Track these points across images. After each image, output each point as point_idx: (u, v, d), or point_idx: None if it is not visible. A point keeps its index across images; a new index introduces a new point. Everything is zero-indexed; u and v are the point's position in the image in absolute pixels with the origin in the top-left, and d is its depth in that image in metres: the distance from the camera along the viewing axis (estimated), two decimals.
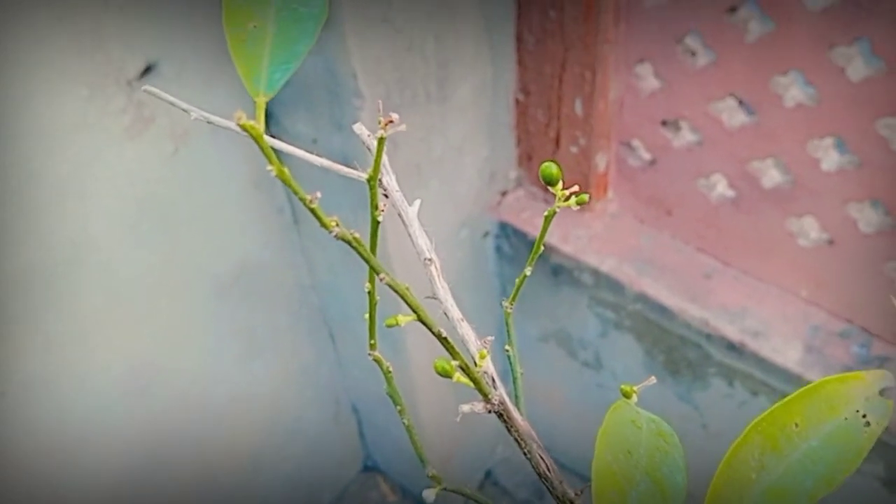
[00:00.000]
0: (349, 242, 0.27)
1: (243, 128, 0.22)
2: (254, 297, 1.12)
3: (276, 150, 0.26)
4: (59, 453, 0.98)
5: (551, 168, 0.32)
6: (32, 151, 0.82)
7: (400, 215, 0.35)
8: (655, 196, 1.06)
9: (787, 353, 0.93)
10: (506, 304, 0.36)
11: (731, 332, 0.96)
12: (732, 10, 0.85)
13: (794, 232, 0.94)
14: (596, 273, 1.07)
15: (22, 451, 0.94)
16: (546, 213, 0.33)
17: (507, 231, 1.15)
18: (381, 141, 0.27)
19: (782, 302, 0.98)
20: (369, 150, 0.31)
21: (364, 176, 0.30)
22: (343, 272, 1.14)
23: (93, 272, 0.92)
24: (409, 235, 0.35)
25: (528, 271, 0.34)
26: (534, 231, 1.13)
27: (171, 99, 0.30)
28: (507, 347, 0.38)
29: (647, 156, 1.03)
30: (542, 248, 0.34)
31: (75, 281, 0.91)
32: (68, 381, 0.95)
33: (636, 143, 1.03)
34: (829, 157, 0.87)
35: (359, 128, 0.34)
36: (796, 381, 0.92)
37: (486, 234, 1.17)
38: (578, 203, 0.32)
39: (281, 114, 0.99)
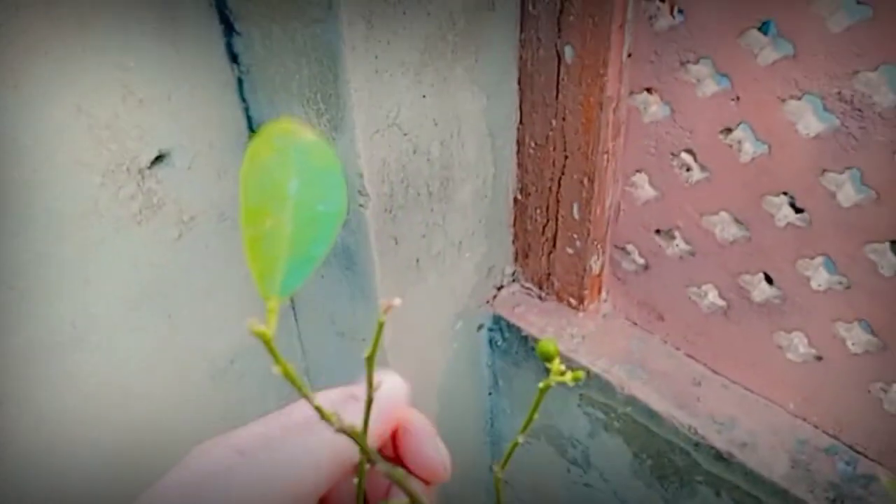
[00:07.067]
0: (351, 436, 0.29)
1: (255, 334, 0.24)
2: (246, 379, 1.12)
3: None
4: None
5: (549, 346, 0.34)
6: (41, 234, 0.83)
7: None
8: (648, 300, 1.08)
9: (773, 466, 0.94)
10: (496, 467, 0.37)
11: (720, 442, 0.97)
12: (728, 130, 0.88)
13: (783, 346, 0.95)
14: (587, 372, 1.08)
15: None
16: (540, 386, 0.34)
17: (500, 325, 1.17)
18: (380, 325, 0.29)
19: (770, 414, 0.99)
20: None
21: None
22: (338, 362, 1.15)
23: (91, 353, 0.93)
24: None
25: (520, 439, 0.35)
26: (527, 326, 1.14)
27: None
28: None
29: (640, 260, 1.05)
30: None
31: (73, 361, 0.91)
32: (58, 459, 0.95)
33: (630, 247, 1.06)
34: (819, 277, 0.89)
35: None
36: (782, 495, 0.92)
37: (480, 327, 1.18)
38: (574, 379, 0.34)
39: None
